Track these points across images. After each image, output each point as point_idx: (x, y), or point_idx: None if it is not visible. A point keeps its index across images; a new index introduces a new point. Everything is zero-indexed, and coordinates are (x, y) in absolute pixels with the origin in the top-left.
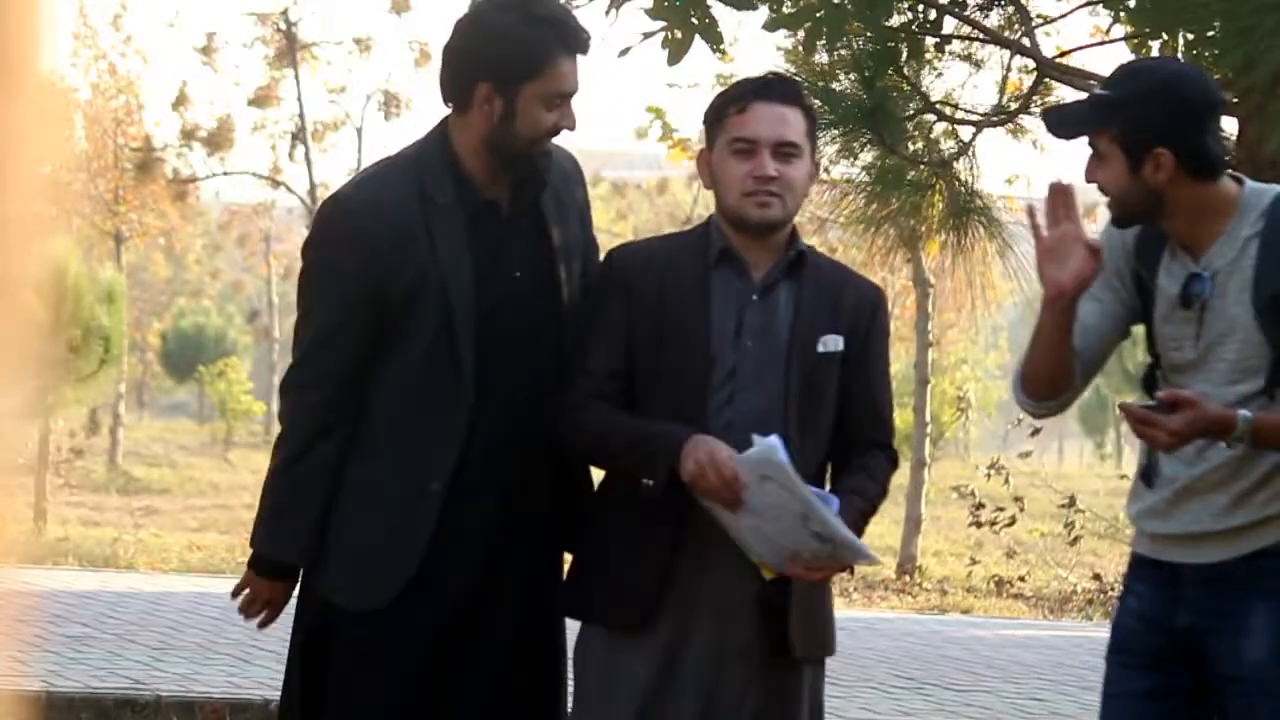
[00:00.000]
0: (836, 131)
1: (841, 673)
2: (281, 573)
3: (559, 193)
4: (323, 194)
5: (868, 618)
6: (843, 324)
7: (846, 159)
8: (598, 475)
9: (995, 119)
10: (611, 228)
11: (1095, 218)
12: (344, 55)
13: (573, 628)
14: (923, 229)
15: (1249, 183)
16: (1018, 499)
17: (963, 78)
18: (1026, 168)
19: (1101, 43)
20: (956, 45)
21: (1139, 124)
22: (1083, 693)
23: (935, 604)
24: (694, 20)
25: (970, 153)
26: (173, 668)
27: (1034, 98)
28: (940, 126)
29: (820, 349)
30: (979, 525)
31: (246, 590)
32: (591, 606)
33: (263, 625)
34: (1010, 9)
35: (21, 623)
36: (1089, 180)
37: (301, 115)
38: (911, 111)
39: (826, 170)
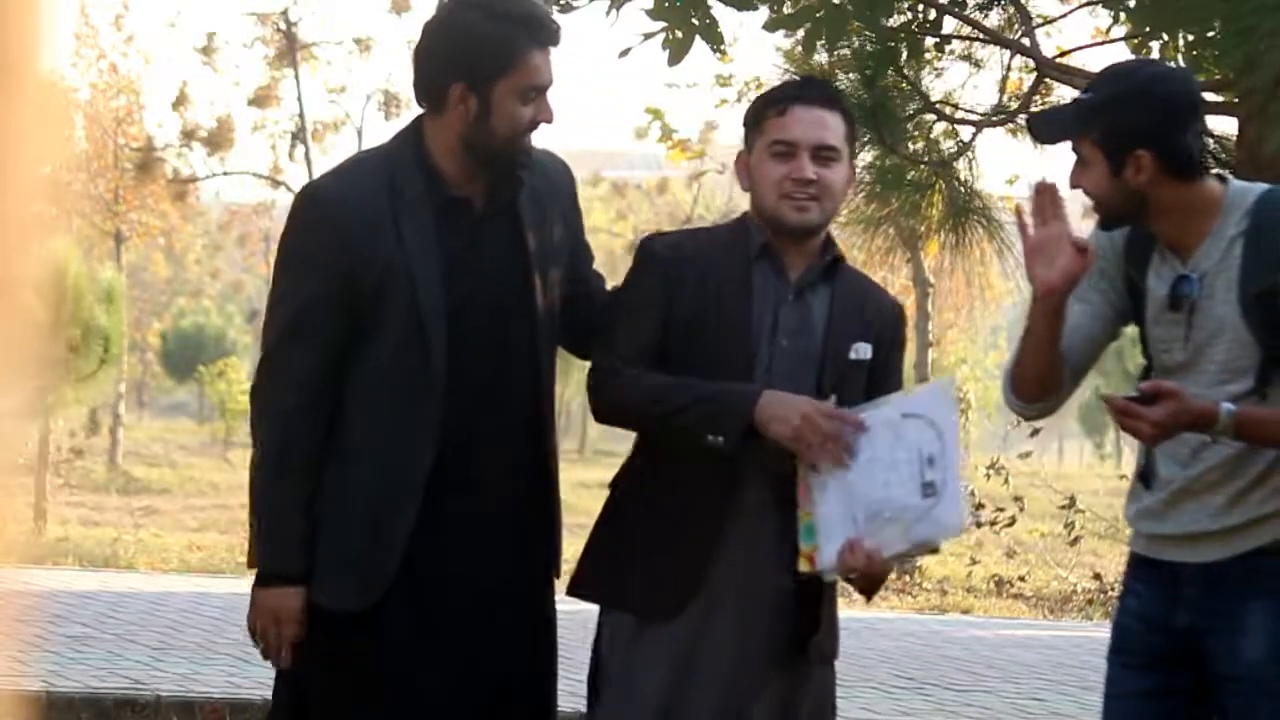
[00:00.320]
0: None
1: (842, 673)
2: (290, 581)
3: (540, 196)
4: None
5: (868, 618)
6: (871, 333)
7: None
8: (614, 464)
9: (995, 119)
10: (611, 228)
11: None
12: (344, 55)
13: (577, 610)
14: (922, 229)
15: (1233, 182)
16: (1018, 499)
17: (963, 78)
18: (1026, 168)
19: (1101, 43)
20: (956, 45)
21: (1118, 126)
22: (1083, 693)
23: (935, 604)
24: (694, 21)
25: (970, 153)
26: (173, 668)
27: (1034, 98)
28: (940, 126)
29: (852, 355)
30: (979, 525)
31: (259, 623)
32: (623, 592)
33: (290, 665)
34: (1010, 9)
35: (21, 623)
36: (1073, 186)
37: (301, 115)
38: (911, 111)
39: None
